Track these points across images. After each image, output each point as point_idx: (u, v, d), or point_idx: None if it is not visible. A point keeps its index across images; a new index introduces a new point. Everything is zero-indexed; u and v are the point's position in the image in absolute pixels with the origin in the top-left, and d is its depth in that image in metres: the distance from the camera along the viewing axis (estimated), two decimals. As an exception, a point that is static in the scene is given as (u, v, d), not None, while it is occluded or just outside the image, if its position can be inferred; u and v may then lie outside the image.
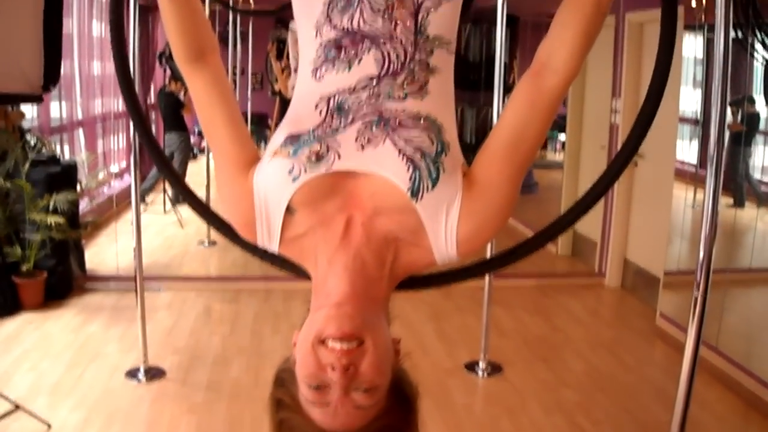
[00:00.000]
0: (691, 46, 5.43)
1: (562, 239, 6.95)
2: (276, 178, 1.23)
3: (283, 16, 8.49)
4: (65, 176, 5.54)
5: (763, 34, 4.54)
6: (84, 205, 6.24)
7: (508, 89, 4.67)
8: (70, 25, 6.67)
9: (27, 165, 5.17)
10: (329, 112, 1.26)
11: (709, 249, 2.23)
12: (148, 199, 7.94)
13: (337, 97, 1.27)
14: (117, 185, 7.67)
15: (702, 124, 5.36)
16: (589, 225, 6.46)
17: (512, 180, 1.25)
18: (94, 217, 6.43)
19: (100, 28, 7.65)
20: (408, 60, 1.29)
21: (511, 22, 4.20)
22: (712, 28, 4.97)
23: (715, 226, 2.27)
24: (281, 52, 8.97)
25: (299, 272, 1.37)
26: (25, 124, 5.68)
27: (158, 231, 7.05)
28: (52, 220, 5.05)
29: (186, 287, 5.81)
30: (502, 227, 1.27)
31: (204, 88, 1.35)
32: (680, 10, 4.73)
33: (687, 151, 5.59)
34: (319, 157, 1.20)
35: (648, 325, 5.31)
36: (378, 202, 1.22)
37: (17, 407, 3.50)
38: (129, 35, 3.96)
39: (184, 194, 1.66)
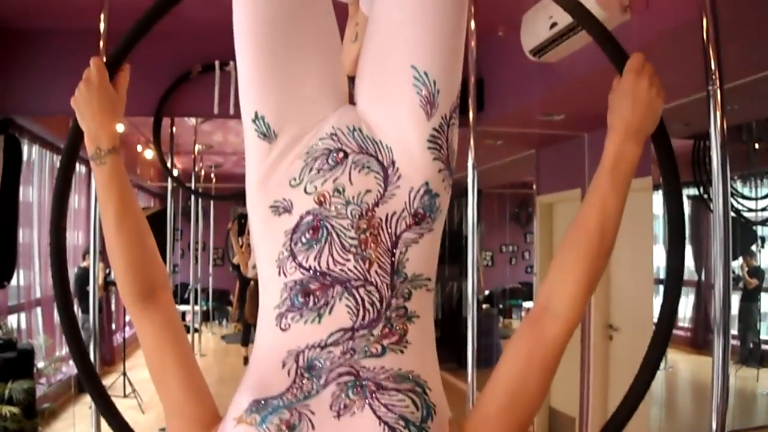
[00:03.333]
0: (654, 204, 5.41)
1: (538, 416, 6.72)
2: None
3: (243, 196, 8.55)
4: (22, 362, 5.31)
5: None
6: (41, 390, 5.92)
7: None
8: (30, 194, 6.63)
9: (-18, 350, 4.96)
10: (299, 372, 1.13)
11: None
12: (107, 381, 7.60)
13: (306, 354, 1.14)
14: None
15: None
16: (565, 401, 6.30)
17: None
18: (51, 403, 6.09)
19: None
20: (384, 307, 1.16)
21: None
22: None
23: (726, 401, 2.14)
24: (242, 228, 8.81)
25: None
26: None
27: (117, 416, 6.71)
28: (6, 410, 4.78)
29: (148, 481, 5.44)
30: None
31: (153, 331, 1.20)
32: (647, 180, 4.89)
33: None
34: (290, 428, 1.06)
35: (636, 507, 5.06)
36: None
37: None
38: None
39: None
